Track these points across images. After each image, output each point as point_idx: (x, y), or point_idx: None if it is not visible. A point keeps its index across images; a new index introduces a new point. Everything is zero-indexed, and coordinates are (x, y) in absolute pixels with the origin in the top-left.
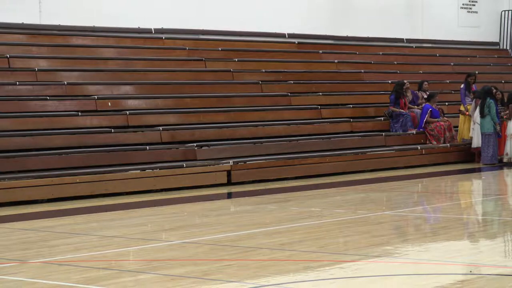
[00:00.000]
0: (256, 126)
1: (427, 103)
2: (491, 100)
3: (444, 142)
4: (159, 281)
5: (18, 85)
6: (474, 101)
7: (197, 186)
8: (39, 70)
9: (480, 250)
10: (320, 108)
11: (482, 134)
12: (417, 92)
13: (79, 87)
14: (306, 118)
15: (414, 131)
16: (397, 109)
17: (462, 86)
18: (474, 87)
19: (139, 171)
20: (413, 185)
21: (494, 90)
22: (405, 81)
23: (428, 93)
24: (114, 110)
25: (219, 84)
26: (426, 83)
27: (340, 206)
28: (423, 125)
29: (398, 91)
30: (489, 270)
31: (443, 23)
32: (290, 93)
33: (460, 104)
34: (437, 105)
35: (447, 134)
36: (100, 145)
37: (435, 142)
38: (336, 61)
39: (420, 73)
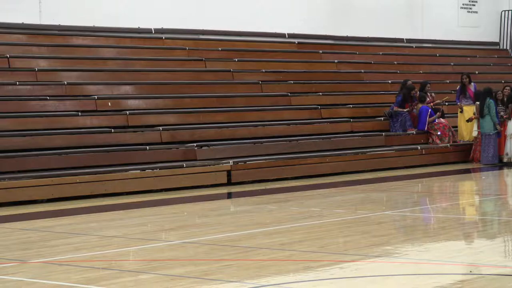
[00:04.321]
0: (256, 126)
1: (422, 105)
2: (491, 100)
3: (448, 142)
4: (159, 281)
5: (18, 85)
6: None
7: (197, 186)
8: (39, 70)
9: (480, 250)
10: (320, 108)
11: (482, 134)
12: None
13: (79, 87)
14: (306, 118)
15: (414, 131)
16: (400, 109)
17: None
18: (473, 87)
19: (139, 171)
20: (413, 185)
21: (495, 90)
22: (428, 83)
23: (428, 95)
24: (114, 110)
25: (219, 84)
26: (429, 85)
27: (340, 206)
28: (425, 127)
29: (406, 95)
30: (489, 270)
31: (443, 23)
32: (290, 93)
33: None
34: (432, 96)
35: (450, 134)
36: (100, 145)
37: (439, 142)
38: (336, 61)
39: (420, 73)
